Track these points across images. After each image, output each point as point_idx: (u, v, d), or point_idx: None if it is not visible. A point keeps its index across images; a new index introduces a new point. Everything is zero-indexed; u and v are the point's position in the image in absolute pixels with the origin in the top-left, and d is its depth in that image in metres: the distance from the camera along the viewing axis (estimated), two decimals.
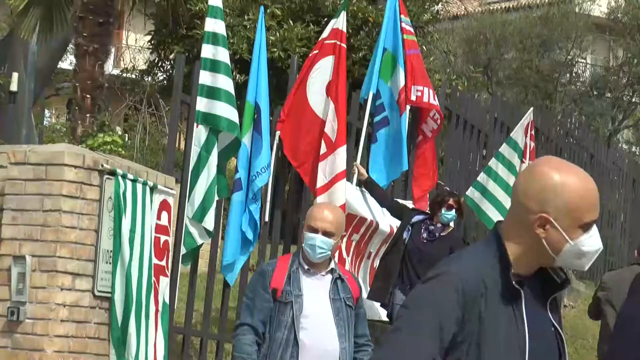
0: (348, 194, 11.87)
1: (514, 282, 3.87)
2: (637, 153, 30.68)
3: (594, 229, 3.94)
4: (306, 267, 7.45)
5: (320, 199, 11.44)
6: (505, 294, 3.86)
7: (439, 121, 13.75)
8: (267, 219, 11.44)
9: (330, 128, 11.56)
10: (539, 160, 3.97)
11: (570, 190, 3.86)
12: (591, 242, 3.93)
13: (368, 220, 12.51)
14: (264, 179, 11.08)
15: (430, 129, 13.75)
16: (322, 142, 11.53)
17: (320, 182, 11.52)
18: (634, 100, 31.18)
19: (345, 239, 11.96)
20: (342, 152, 11.66)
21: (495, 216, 14.55)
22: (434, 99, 13.54)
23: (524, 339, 3.86)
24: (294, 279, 7.40)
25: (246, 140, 10.85)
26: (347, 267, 12.41)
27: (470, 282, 3.80)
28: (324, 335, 7.34)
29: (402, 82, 12.95)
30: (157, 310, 8.82)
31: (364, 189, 12.47)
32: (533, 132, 14.80)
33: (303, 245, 7.48)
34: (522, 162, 14.44)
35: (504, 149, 14.66)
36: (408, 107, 13.41)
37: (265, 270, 7.47)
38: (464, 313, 3.78)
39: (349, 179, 12.09)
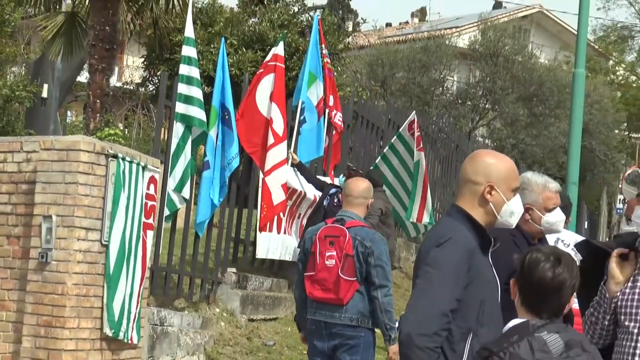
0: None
1: (491, 237, 4.13)
2: (489, 144, 30.89)
3: (518, 195, 4.19)
4: None
5: (267, 179, 11.47)
6: (483, 248, 4.06)
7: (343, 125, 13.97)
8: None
9: (277, 125, 11.58)
10: (476, 152, 4.26)
11: (503, 166, 4.13)
12: (518, 203, 4.17)
13: (298, 191, 12.54)
14: (237, 162, 11.11)
15: (340, 129, 13.90)
16: (271, 135, 11.54)
17: (268, 166, 11.55)
18: (487, 107, 31.43)
19: None
20: (284, 145, 11.69)
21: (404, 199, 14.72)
22: (338, 117, 13.70)
23: (494, 277, 4.11)
24: None
25: (212, 133, 10.83)
26: (283, 225, 12.45)
27: (469, 243, 3.97)
28: None
29: (320, 94, 13.06)
30: (144, 255, 8.78)
31: (295, 169, 12.50)
32: (419, 128, 14.79)
33: None
34: (417, 150, 14.46)
35: (395, 140, 14.76)
36: (327, 111, 13.49)
37: None
38: (469, 265, 3.94)
39: (287, 163, 12.11)
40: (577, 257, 7.04)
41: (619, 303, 4.33)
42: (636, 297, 4.30)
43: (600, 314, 4.41)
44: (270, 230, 12.17)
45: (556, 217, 5.39)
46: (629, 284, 4.35)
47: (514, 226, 4.25)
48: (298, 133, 12.87)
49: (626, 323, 4.27)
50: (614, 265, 4.37)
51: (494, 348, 3.53)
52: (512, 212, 4.13)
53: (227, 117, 10.99)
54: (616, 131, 36.81)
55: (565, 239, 7.27)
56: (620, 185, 35.17)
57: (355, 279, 6.98)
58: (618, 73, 47.03)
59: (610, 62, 47.75)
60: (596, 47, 46.01)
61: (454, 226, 4.05)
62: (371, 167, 14.57)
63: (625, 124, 41.67)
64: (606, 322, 4.39)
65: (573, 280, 3.62)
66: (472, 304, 3.92)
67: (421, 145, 14.59)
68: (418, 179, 14.50)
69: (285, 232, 12.49)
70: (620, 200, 36.58)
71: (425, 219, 14.64)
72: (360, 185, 7.39)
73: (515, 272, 3.80)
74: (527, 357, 3.45)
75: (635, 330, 4.23)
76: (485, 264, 4.06)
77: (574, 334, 3.53)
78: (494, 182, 4.09)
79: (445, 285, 3.87)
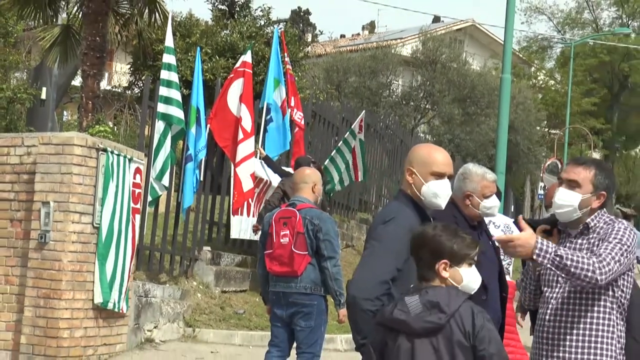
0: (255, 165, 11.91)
1: (430, 217, 4.18)
2: (429, 139, 31.02)
3: (445, 180, 4.17)
4: None
5: (238, 169, 11.43)
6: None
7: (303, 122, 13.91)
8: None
9: (246, 123, 11.54)
10: (414, 146, 4.33)
11: (422, 152, 4.19)
12: (440, 187, 4.14)
13: (265, 180, 12.53)
14: (203, 154, 11.05)
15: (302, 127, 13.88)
16: (240, 131, 11.49)
17: (238, 158, 11.51)
18: (427, 107, 31.55)
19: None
20: (251, 140, 11.65)
21: (335, 175, 14.71)
22: (298, 115, 13.62)
23: None
24: None
25: (192, 130, 10.79)
26: (252, 209, 12.44)
27: (411, 222, 3.98)
28: None
29: (283, 95, 13.03)
30: (133, 236, 8.76)
31: (263, 162, 12.48)
32: (362, 123, 14.77)
33: None
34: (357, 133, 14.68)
35: (347, 135, 14.77)
36: (289, 110, 13.47)
37: None
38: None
39: (255, 156, 12.09)
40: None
41: (541, 271, 4.41)
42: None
43: (528, 280, 4.53)
44: (242, 214, 12.18)
45: (492, 203, 5.43)
46: None
47: (442, 207, 4.23)
48: (265, 131, 12.85)
49: (544, 289, 4.35)
50: None
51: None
52: (434, 193, 4.13)
53: (197, 115, 10.97)
54: (537, 128, 37.09)
55: (496, 221, 7.33)
56: (541, 175, 35.51)
57: (307, 253, 7.05)
58: (539, 78, 47.41)
59: (533, 69, 48.15)
60: (520, 55, 46.35)
61: (398, 207, 4.11)
62: (327, 160, 14.57)
63: (545, 122, 42.05)
64: (532, 287, 4.51)
65: (430, 242, 3.65)
66: (410, 274, 3.96)
67: (359, 129, 14.75)
68: (344, 152, 14.66)
69: (253, 216, 12.49)
70: (541, 187, 36.92)
71: (360, 177, 15.06)
72: (302, 173, 7.46)
73: None
74: (388, 315, 3.57)
75: (547, 294, 4.32)
76: None
77: (436, 296, 3.56)
78: (413, 166, 4.15)
79: (387, 257, 3.92)
